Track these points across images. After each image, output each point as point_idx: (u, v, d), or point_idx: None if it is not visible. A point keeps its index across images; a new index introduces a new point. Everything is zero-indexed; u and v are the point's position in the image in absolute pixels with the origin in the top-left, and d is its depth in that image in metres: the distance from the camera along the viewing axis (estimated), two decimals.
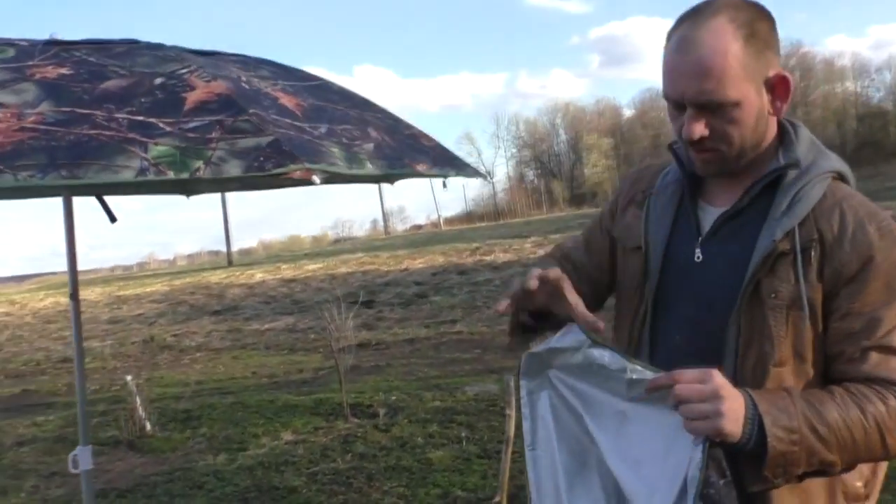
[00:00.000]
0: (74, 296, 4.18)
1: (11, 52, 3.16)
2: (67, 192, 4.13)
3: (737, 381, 1.84)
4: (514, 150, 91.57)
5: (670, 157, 2.18)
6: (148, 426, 9.50)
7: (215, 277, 30.53)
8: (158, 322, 22.32)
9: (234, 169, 2.71)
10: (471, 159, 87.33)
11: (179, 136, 2.78)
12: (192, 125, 2.83)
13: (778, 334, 1.89)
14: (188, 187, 4.81)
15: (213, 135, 2.80)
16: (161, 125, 2.81)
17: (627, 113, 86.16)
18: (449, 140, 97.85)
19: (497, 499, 5.00)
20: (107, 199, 4.32)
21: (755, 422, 1.76)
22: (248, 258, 51.95)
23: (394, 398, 10.05)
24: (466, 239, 33.16)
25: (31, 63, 3.08)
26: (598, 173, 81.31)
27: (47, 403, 11.78)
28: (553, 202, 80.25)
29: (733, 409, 1.74)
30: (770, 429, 1.75)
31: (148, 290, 29.62)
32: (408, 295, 21.45)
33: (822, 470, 1.84)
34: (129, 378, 9.77)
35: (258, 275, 29.30)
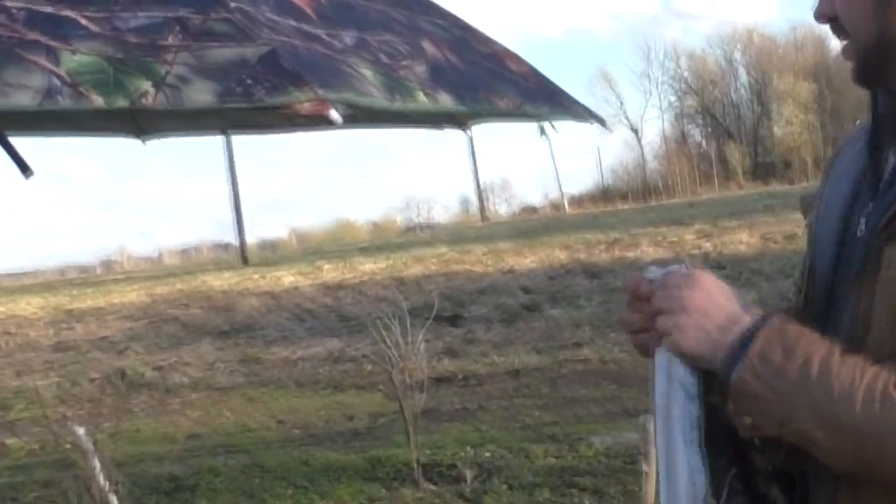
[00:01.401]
0: None
1: None
2: None
3: None
4: (671, 98, 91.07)
5: None
6: (114, 501, 9.53)
7: (222, 282, 30.86)
8: (132, 348, 22.52)
9: (201, 95, 2.65)
10: (608, 110, 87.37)
11: (113, 41, 2.71)
12: (134, 23, 2.77)
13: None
14: (139, 123, 4.71)
15: (170, 40, 2.74)
16: (83, 22, 2.74)
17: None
18: (578, 81, 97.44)
19: None
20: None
21: (742, 350, 1.82)
22: (274, 254, 52.50)
23: (487, 455, 10.16)
24: (601, 226, 33.38)
25: None
26: (793, 133, 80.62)
27: None
28: (729, 174, 79.90)
29: (699, 325, 1.87)
30: (750, 359, 1.80)
31: (117, 301, 29.83)
32: (512, 307, 21.57)
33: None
34: (81, 432, 9.78)
35: (287, 278, 29.67)
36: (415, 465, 9.53)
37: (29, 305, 30.65)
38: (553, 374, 15.16)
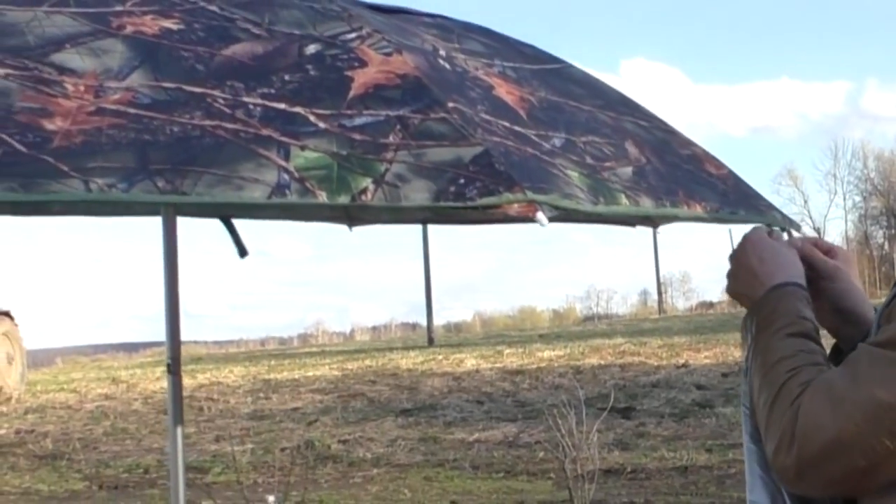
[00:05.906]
0: (174, 368, 4.09)
1: None
2: (171, 210, 4.07)
3: None
4: (856, 199, 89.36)
5: None
6: None
7: (408, 361, 30.97)
8: (321, 421, 22.55)
9: (417, 194, 2.62)
10: (792, 208, 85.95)
11: (339, 138, 2.70)
12: (359, 121, 2.76)
13: None
14: (350, 213, 4.74)
15: (391, 139, 2.72)
16: (313, 119, 2.74)
17: None
18: (762, 178, 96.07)
19: None
20: (237, 222, 4.25)
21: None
22: (458, 336, 52.46)
23: None
24: None
25: (119, 8, 3.03)
26: None
27: None
28: None
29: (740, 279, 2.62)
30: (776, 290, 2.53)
31: (310, 374, 30.06)
32: (684, 403, 21.28)
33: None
34: (271, 500, 9.80)
35: (469, 361, 29.62)
36: None
37: (231, 374, 31.08)
38: (721, 473, 14.79)
